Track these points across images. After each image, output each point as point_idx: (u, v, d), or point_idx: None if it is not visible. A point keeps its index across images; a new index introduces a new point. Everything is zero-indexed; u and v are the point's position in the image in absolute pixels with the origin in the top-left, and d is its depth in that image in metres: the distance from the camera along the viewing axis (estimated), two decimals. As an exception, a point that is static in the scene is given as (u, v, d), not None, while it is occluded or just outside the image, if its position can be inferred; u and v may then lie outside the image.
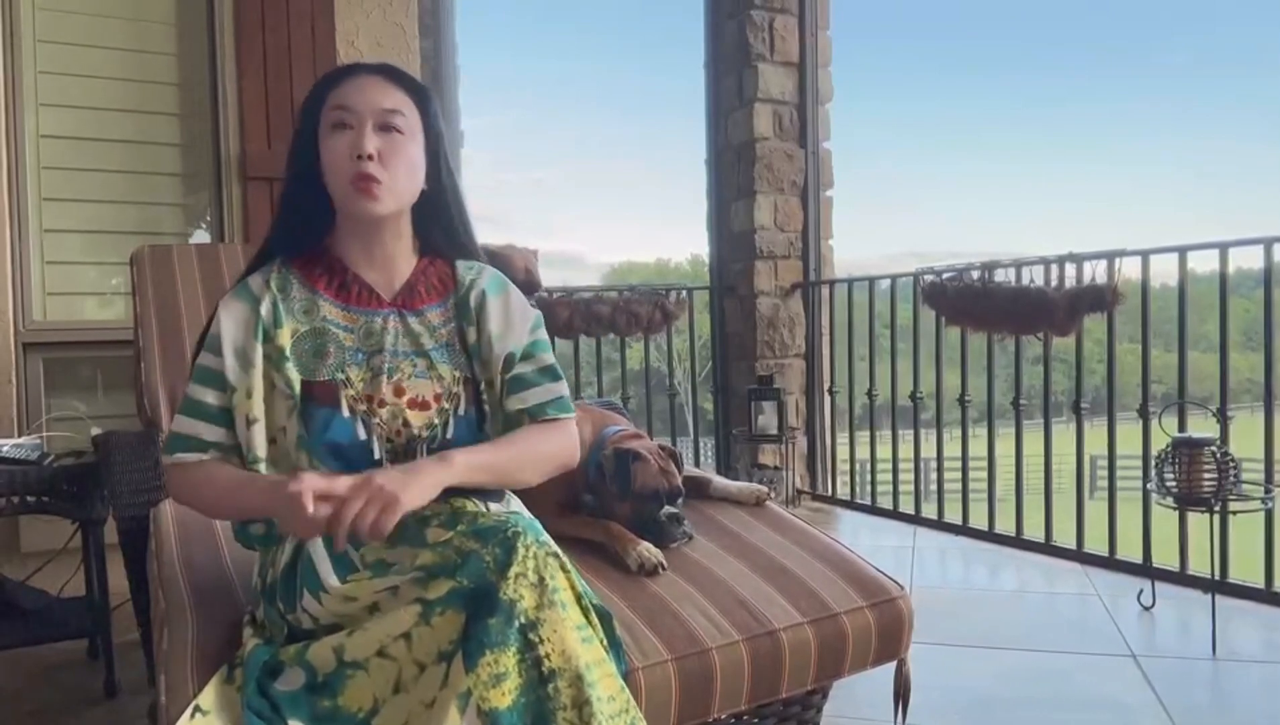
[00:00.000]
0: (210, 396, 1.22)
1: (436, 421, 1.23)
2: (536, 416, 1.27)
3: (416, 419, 1.23)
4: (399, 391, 1.23)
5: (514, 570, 1.02)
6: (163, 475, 1.77)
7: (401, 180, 1.23)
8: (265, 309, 1.23)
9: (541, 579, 1.03)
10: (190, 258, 2.14)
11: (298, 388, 1.20)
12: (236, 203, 3.00)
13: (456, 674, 1.00)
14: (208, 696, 1.13)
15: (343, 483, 1.07)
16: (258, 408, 1.21)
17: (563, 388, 1.30)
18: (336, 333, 1.24)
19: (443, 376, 1.25)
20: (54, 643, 2.17)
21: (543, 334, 1.33)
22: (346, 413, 1.21)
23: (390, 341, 1.25)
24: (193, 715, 1.11)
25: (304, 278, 1.27)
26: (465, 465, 1.15)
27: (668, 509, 1.59)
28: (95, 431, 2.12)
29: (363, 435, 1.21)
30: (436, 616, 1.03)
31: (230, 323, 1.23)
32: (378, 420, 1.21)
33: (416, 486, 1.09)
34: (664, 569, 1.49)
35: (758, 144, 4.17)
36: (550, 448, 1.27)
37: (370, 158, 1.20)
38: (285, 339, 1.22)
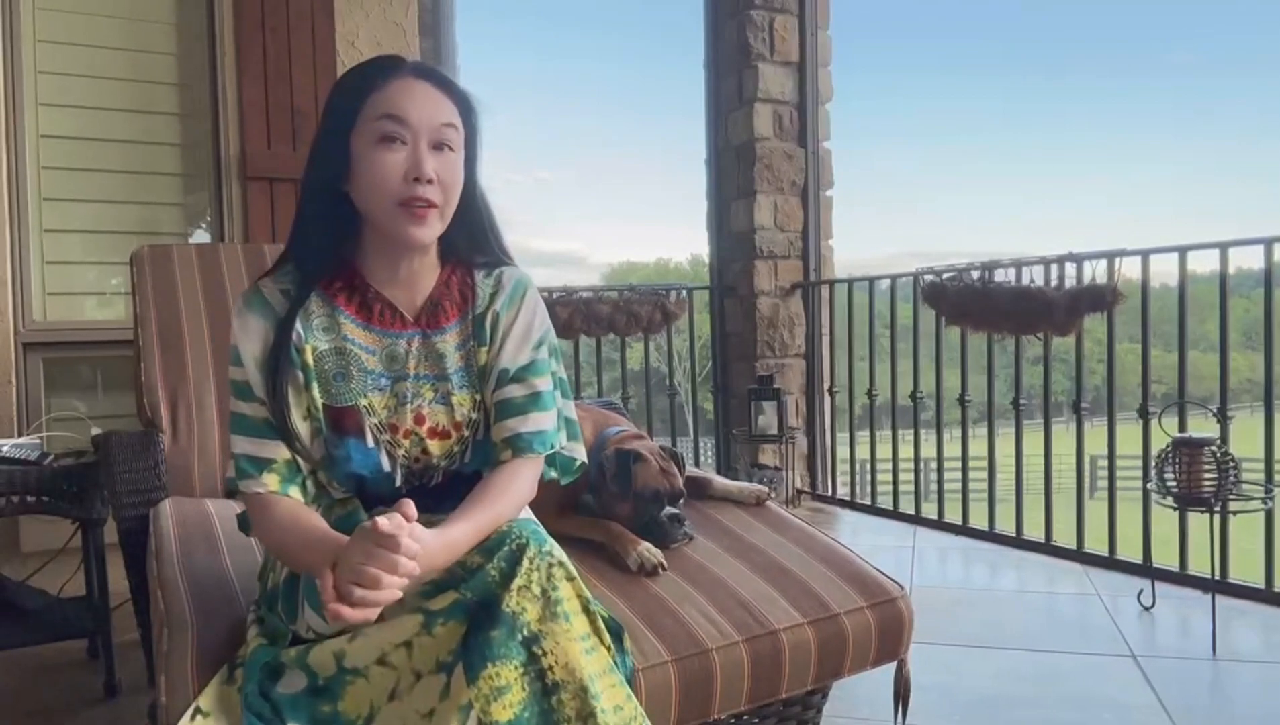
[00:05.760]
0: (248, 409, 1.16)
1: (456, 449, 1.21)
2: (518, 451, 1.19)
3: (436, 448, 1.20)
4: (420, 419, 1.19)
5: (517, 583, 1.02)
6: (163, 475, 1.78)
7: (453, 203, 1.17)
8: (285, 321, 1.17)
9: (545, 591, 1.02)
10: (190, 258, 2.14)
11: (322, 412, 1.16)
12: (236, 203, 3.00)
13: (458, 686, 0.99)
14: (208, 697, 1.13)
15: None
16: (299, 423, 1.16)
17: (549, 419, 1.22)
18: (359, 354, 1.18)
19: (462, 403, 1.20)
20: (54, 643, 2.16)
21: (545, 352, 1.25)
22: (371, 443, 1.17)
23: (413, 366, 1.20)
24: (193, 716, 1.10)
25: (322, 292, 1.19)
26: (444, 553, 1.05)
27: (668, 509, 1.59)
28: (95, 431, 2.12)
29: (387, 467, 1.18)
30: (439, 626, 1.02)
31: (249, 339, 1.16)
32: (401, 451, 1.18)
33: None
34: (664, 569, 1.49)
35: (758, 144, 4.17)
36: (524, 492, 1.19)
37: (430, 182, 1.12)
38: (307, 358, 1.16)
